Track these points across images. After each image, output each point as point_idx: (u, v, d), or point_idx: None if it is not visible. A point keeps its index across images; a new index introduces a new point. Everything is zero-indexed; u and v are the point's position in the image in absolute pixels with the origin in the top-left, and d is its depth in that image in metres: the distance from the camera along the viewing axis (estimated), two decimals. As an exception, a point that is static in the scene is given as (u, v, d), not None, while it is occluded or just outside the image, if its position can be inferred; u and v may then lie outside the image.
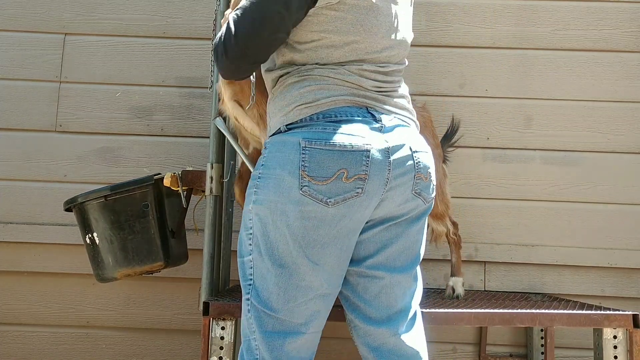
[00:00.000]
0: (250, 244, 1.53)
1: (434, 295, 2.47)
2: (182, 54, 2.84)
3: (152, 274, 2.27)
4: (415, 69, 2.70)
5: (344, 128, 1.46)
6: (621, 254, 2.71)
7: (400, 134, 1.54)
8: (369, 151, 1.45)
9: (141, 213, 2.12)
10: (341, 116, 1.48)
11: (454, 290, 2.42)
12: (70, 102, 2.82)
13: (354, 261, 1.59)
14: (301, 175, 1.43)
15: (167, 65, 2.84)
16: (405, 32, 1.65)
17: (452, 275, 2.49)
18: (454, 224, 2.51)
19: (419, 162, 1.55)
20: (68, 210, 2.24)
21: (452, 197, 2.66)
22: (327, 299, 1.56)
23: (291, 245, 1.47)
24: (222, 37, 1.51)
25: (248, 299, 1.55)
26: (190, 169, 2.14)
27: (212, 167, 2.08)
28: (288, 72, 1.56)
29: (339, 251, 1.50)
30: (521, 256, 2.71)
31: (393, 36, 1.59)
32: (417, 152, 1.55)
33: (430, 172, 1.59)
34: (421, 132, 2.10)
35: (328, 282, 1.52)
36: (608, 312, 1.99)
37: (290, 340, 1.52)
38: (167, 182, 2.06)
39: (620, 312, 1.97)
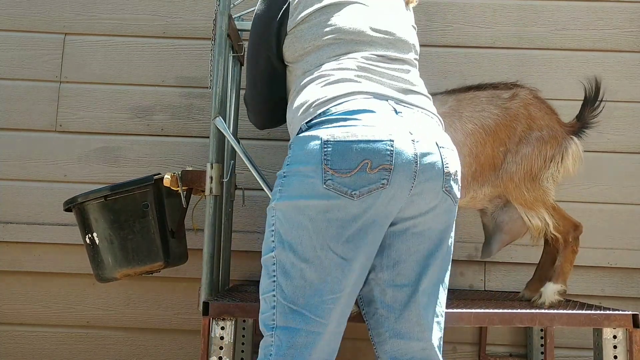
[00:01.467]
0: (273, 241, 1.52)
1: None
2: (182, 54, 2.84)
3: (152, 274, 2.27)
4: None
5: (365, 120, 1.45)
6: (621, 254, 2.71)
7: (425, 128, 1.52)
8: (393, 141, 1.43)
9: (141, 213, 2.12)
10: (360, 108, 1.48)
11: (540, 296, 2.18)
12: (70, 102, 2.82)
13: (385, 266, 1.57)
14: (324, 169, 1.42)
15: (167, 65, 2.84)
16: (392, 22, 1.68)
17: (550, 279, 2.19)
18: (567, 219, 2.20)
19: (446, 157, 1.51)
20: (68, 210, 2.24)
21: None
22: (351, 298, 1.53)
23: (314, 240, 1.46)
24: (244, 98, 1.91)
25: (274, 295, 1.52)
26: (190, 169, 2.13)
27: (212, 167, 2.08)
28: (297, 82, 1.66)
29: (366, 246, 1.47)
30: (521, 256, 2.71)
31: (376, 25, 1.64)
32: (444, 147, 1.52)
33: (457, 169, 1.56)
34: (516, 117, 2.12)
35: (355, 279, 1.49)
36: (608, 312, 1.99)
37: (311, 338, 1.49)
38: (166, 182, 2.06)
39: (620, 312, 1.97)
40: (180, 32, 2.85)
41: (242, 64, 2.31)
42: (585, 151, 2.70)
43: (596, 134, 2.74)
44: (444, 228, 1.56)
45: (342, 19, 1.61)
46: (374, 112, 1.48)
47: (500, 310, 2.02)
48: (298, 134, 1.55)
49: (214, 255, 2.09)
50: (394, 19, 1.69)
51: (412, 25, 1.78)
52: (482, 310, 2.01)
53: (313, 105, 1.53)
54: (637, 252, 2.71)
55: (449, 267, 1.63)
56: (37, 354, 2.74)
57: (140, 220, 2.12)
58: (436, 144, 1.50)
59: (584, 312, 2.01)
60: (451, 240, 1.61)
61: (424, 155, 1.47)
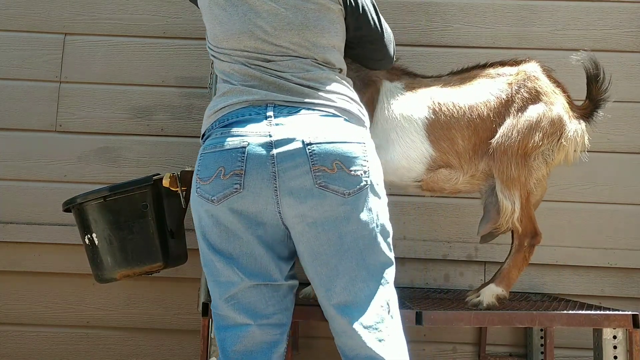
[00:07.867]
0: None
1: (434, 295, 2.47)
2: (182, 54, 2.84)
3: (151, 274, 2.27)
4: (414, 69, 2.69)
5: (229, 130, 1.57)
6: (621, 254, 2.70)
7: (296, 128, 1.54)
8: (245, 147, 1.52)
9: (140, 213, 2.12)
10: (231, 119, 1.59)
11: (478, 295, 2.12)
12: (70, 102, 2.82)
13: (308, 271, 1.62)
14: (196, 179, 1.59)
15: (167, 65, 2.84)
16: (292, 19, 1.65)
17: (492, 281, 2.14)
18: (531, 222, 2.14)
19: (315, 153, 1.51)
20: (67, 210, 2.24)
21: (451, 197, 2.64)
22: (259, 290, 1.59)
23: (204, 245, 1.61)
24: None
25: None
26: (190, 169, 2.13)
27: (211, 168, 2.07)
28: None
29: (246, 243, 1.56)
30: (521, 256, 2.70)
31: (269, 27, 1.64)
32: (313, 144, 1.52)
33: (338, 163, 1.52)
34: (517, 91, 2.11)
35: (250, 274, 1.57)
36: (608, 312, 1.99)
37: (235, 334, 1.59)
38: (166, 182, 2.05)
39: (620, 312, 1.97)
40: (180, 32, 2.85)
41: (241, 64, 2.31)
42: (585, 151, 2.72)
43: (596, 134, 2.74)
44: (338, 224, 1.54)
45: (230, 32, 1.66)
46: (240, 121, 1.57)
47: (500, 311, 2.02)
48: None
49: (213, 256, 2.09)
50: (293, 14, 1.65)
51: (328, 8, 1.69)
52: (482, 311, 2.01)
53: (205, 120, 1.68)
54: (637, 252, 2.71)
55: (385, 262, 1.60)
56: (37, 354, 2.74)
57: (140, 221, 2.12)
58: (302, 142, 1.52)
59: (583, 312, 2.01)
60: (365, 233, 1.56)
61: (283, 155, 1.52)
